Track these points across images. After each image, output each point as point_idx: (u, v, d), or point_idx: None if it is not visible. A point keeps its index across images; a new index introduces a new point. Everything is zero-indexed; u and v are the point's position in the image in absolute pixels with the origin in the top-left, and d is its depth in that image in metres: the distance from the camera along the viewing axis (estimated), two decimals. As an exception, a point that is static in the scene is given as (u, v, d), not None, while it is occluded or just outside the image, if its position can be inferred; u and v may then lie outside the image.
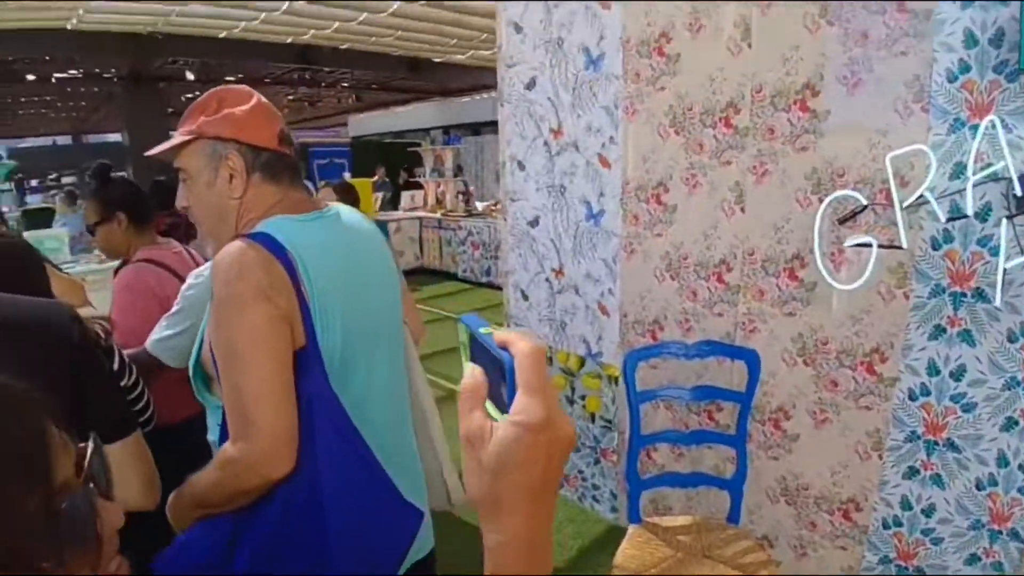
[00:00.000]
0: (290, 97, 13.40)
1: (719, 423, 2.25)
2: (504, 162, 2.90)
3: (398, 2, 6.24)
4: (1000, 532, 1.77)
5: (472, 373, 0.46)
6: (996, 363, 1.71)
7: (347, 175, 10.08)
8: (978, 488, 1.79)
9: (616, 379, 2.58)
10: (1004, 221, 1.64)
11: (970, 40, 1.65)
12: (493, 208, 8.77)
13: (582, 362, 2.73)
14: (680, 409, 2.36)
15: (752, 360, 1.94)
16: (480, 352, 0.47)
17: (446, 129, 12.01)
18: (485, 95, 11.97)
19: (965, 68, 1.67)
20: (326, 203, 1.22)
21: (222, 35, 8.25)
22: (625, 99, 2.38)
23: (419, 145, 10.90)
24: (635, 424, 1.98)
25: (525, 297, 2.92)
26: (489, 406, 0.45)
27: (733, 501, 1.99)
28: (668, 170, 2.29)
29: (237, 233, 1.11)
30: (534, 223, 2.82)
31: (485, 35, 7.86)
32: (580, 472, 2.86)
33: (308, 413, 1.03)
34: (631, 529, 1.97)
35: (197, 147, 1.13)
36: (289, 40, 8.77)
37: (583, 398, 2.76)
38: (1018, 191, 1.60)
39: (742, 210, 2.11)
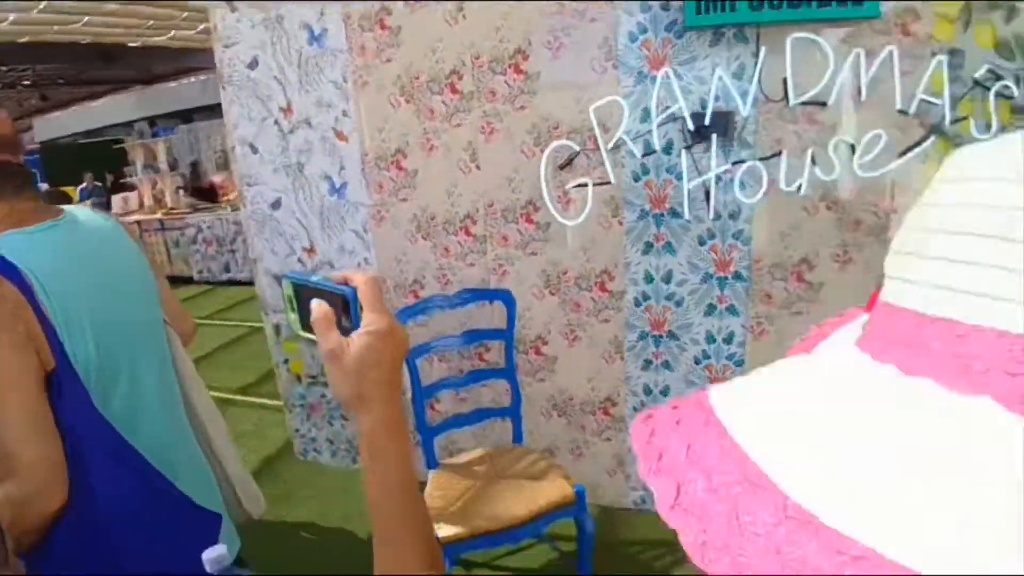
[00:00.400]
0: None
1: (489, 361, 2.48)
2: (234, 146, 2.73)
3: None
4: None
5: (320, 305, 0.56)
6: (693, 264, 2.20)
7: (43, 186, 8.37)
8: (696, 363, 2.29)
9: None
10: (683, 152, 2.08)
11: (644, 5, 2.03)
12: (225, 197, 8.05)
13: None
14: (453, 357, 2.53)
15: (508, 299, 2.16)
16: (311, 296, 0.57)
17: (151, 120, 10.61)
18: (193, 78, 10.80)
19: (643, 29, 2.06)
20: (60, 209, 1.09)
21: None
22: (353, 72, 2.42)
23: (123, 141, 9.52)
24: (415, 379, 2.08)
25: (279, 282, 2.82)
26: None
27: (514, 426, 2.23)
28: (404, 137, 2.40)
29: None
30: (276, 205, 2.73)
31: (187, 13, 7.05)
32: (368, 443, 2.90)
33: (73, 437, 0.95)
34: (431, 474, 2.09)
35: None
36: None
37: (358, 370, 2.78)
38: (691, 126, 2.04)
39: (477, 167, 2.32)
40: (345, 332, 0.56)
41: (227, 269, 7.40)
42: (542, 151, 2.17)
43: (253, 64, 2.58)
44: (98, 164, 9.60)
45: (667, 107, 2.03)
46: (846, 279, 2.09)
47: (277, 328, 2.91)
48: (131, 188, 8.93)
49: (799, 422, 0.29)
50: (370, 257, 2.59)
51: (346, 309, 0.55)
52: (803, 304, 2.17)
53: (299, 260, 2.74)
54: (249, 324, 5.23)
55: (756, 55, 1.98)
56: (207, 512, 1.18)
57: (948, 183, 0.30)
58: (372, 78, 2.39)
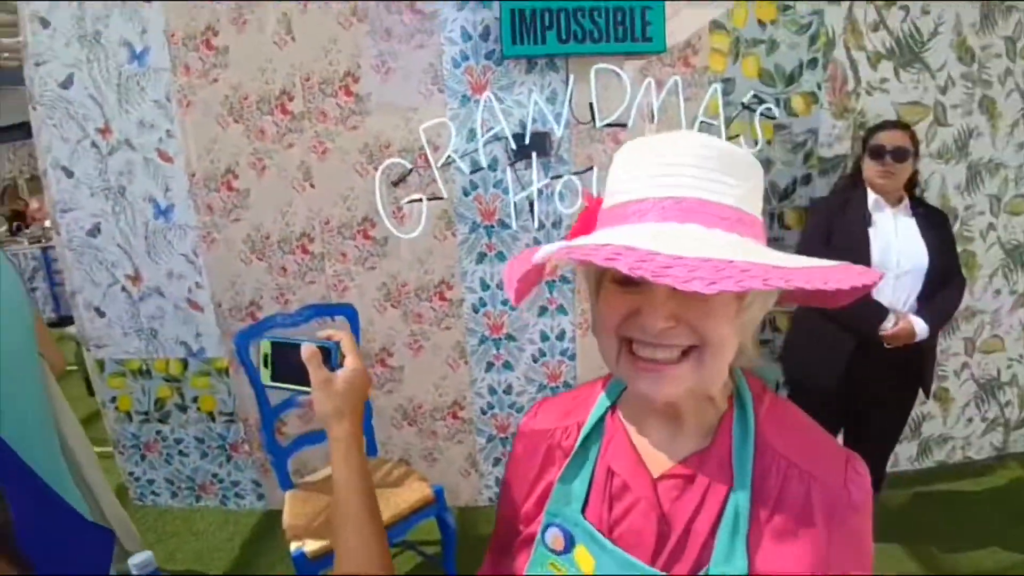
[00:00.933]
0: None
1: (334, 378, 2.48)
2: (46, 170, 2.52)
3: None
4: (557, 387, 2.50)
5: (311, 348, 0.75)
6: (523, 273, 2.36)
7: None
8: (534, 361, 2.48)
9: (226, 370, 2.57)
10: (508, 168, 2.26)
11: (465, 35, 2.21)
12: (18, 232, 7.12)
13: (184, 365, 2.62)
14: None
15: (351, 314, 2.20)
16: (291, 351, 0.77)
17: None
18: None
19: (465, 56, 2.23)
20: None
21: None
22: (178, 92, 2.35)
23: None
24: (262, 400, 2.05)
25: (101, 314, 2.63)
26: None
27: (367, 439, 2.25)
28: (234, 157, 2.37)
29: None
30: (95, 232, 2.55)
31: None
32: (214, 476, 2.76)
33: None
34: (288, 495, 2.05)
35: None
36: None
37: (195, 400, 2.66)
38: (513, 145, 2.22)
39: (312, 185, 2.35)
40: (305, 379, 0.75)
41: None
42: (375, 169, 2.24)
43: (67, 83, 2.41)
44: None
45: (491, 128, 2.21)
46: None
47: (101, 364, 2.70)
48: None
49: None
50: (201, 281, 2.50)
51: (327, 358, 0.75)
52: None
53: (123, 289, 2.57)
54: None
55: (566, 82, 2.22)
56: (101, 528, 1.15)
57: None
58: (198, 98, 2.34)
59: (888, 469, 2.49)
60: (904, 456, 2.82)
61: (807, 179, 2.44)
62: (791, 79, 2.36)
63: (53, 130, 2.48)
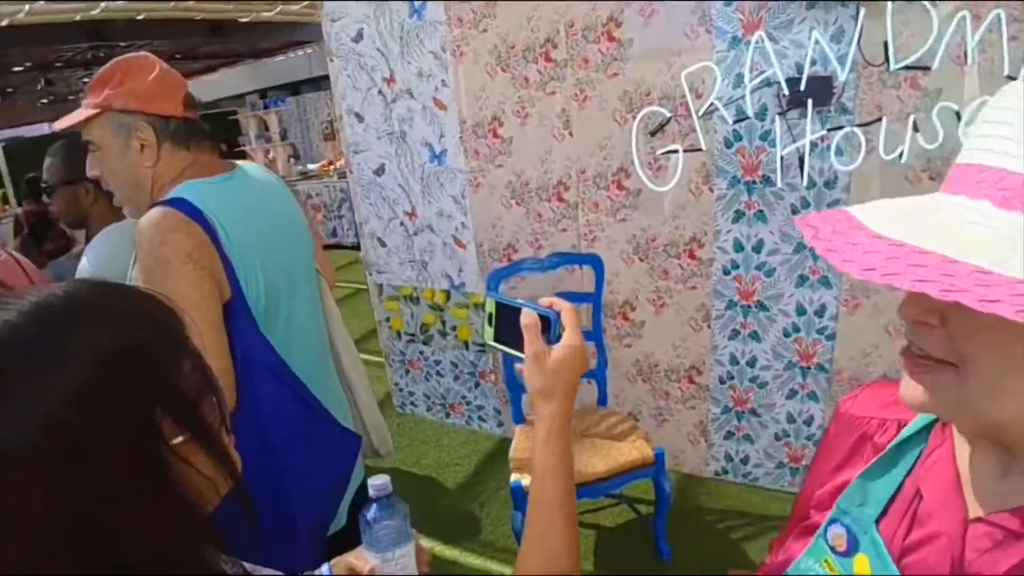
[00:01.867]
0: (85, 80, 11.76)
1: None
2: (341, 115, 2.93)
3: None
4: (809, 368, 2.27)
5: (531, 316, 0.71)
6: (786, 233, 2.16)
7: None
8: (785, 336, 2.27)
9: (482, 304, 2.79)
10: (777, 118, 2.04)
11: (742, -29, 1.99)
12: (326, 167, 8.46)
13: (448, 295, 2.91)
14: (542, 320, 2.64)
15: (597, 264, 2.23)
16: (513, 315, 0.72)
17: (262, 92, 11.26)
18: (300, 52, 11.31)
19: (738, -9, 2.01)
20: (234, 163, 1.27)
21: (3, 23, 7.03)
22: (452, 43, 2.52)
23: (236, 113, 10.16)
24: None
25: (383, 244, 3.02)
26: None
27: (599, 388, 2.31)
28: (500, 106, 2.48)
29: (153, 199, 1.14)
30: (380, 171, 2.90)
31: (292, -12, 7.37)
32: (463, 398, 3.08)
33: (244, 359, 1.11)
34: (518, 429, 2.22)
35: (104, 119, 1.14)
36: (78, 17, 7.65)
37: (454, 329, 2.95)
38: (786, 91, 2.00)
39: (570, 134, 2.38)
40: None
41: (334, 234, 7.84)
42: (634, 118, 2.18)
43: (358, 37, 2.74)
44: (214, 134, 10.23)
45: (761, 72, 1.99)
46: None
47: (380, 288, 3.12)
48: (243, 156, 9.54)
49: None
50: (467, 221, 2.72)
51: (546, 328, 0.71)
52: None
53: (401, 224, 2.92)
54: (354, 285, 5.57)
55: (855, 18, 1.89)
56: (351, 434, 1.35)
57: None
58: (469, 48, 2.49)
59: None
60: None
61: None
62: None
63: (347, 80, 2.84)
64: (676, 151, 2.13)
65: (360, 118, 2.88)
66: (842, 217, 0.50)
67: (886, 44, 1.88)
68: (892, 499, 0.59)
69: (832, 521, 0.62)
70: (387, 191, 2.91)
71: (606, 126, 2.29)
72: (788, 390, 2.32)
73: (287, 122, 9.99)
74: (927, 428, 0.61)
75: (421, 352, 3.13)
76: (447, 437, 3.11)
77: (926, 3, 1.81)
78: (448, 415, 3.18)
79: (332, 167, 8.37)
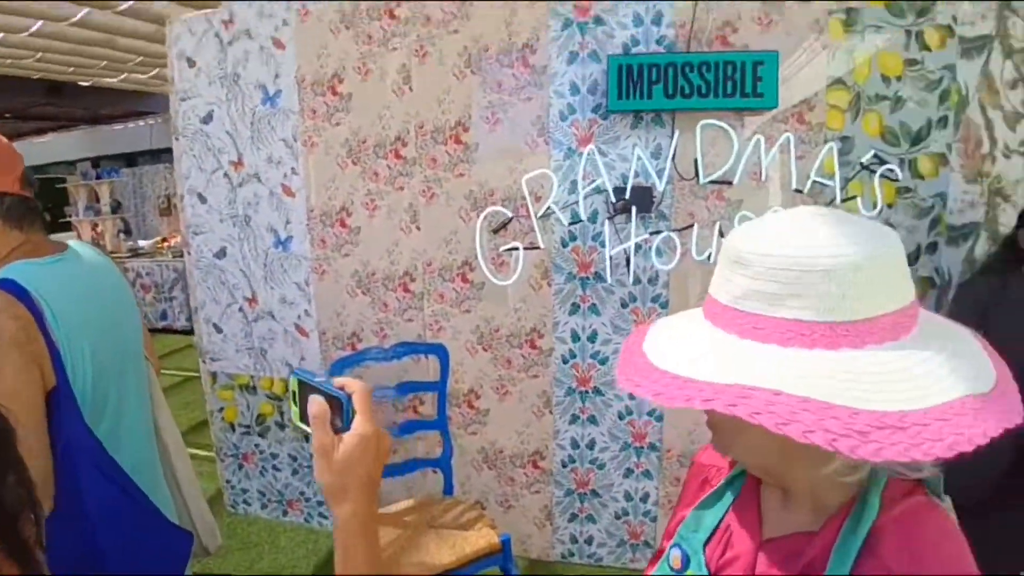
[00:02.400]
0: None
1: (423, 414, 2.55)
2: (183, 195, 2.80)
3: (40, 21, 5.31)
4: (642, 447, 2.42)
5: (317, 402, 0.64)
6: (617, 325, 2.36)
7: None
8: (620, 419, 2.42)
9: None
10: (607, 222, 2.26)
11: (574, 89, 2.25)
12: (160, 245, 7.87)
13: (287, 385, 2.78)
14: (388, 408, 2.60)
15: (442, 353, 2.27)
16: (312, 393, 0.65)
17: (95, 161, 10.44)
18: (141, 122, 10.71)
19: (572, 110, 2.27)
20: (65, 243, 1.20)
21: None
22: (304, 133, 2.54)
23: (65, 180, 9.30)
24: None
25: (219, 330, 2.85)
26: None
27: (445, 477, 2.30)
28: (349, 196, 2.52)
29: None
30: (221, 254, 2.79)
31: (141, 57, 7.04)
32: (302, 493, 2.90)
33: (67, 452, 1.03)
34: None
35: None
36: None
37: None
38: (614, 199, 2.23)
39: (417, 228, 2.46)
40: (336, 431, 0.64)
41: (164, 317, 7.20)
42: (478, 215, 2.32)
43: (208, 118, 2.68)
44: (39, 201, 9.26)
45: (592, 180, 2.23)
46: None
47: (214, 376, 2.92)
48: (68, 228, 8.67)
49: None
50: (310, 309, 2.66)
51: (340, 411, 0.64)
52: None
53: (240, 309, 2.79)
54: (184, 373, 5.15)
55: (671, 137, 2.20)
56: (182, 531, 1.25)
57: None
58: (321, 139, 2.52)
59: None
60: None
61: (933, 247, 2.27)
62: (917, 139, 2.21)
63: (192, 160, 2.75)
64: (517, 248, 2.28)
65: (203, 199, 2.77)
66: (640, 356, 0.67)
67: (696, 161, 2.18)
68: (717, 526, 0.74)
69: (673, 545, 0.76)
70: (227, 275, 2.79)
71: (452, 222, 2.40)
72: (625, 469, 2.45)
73: (120, 194, 9.27)
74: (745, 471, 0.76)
75: (256, 445, 2.93)
76: (284, 537, 2.89)
77: (728, 127, 2.14)
78: (285, 512, 2.96)
79: (167, 245, 7.80)
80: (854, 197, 2.21)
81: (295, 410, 0.69)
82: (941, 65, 2.16)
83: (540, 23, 2.26)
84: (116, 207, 8.67)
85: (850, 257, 0.56)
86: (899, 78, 2.18)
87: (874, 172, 2.18)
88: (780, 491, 0.68)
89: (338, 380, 0.66)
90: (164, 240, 8.07)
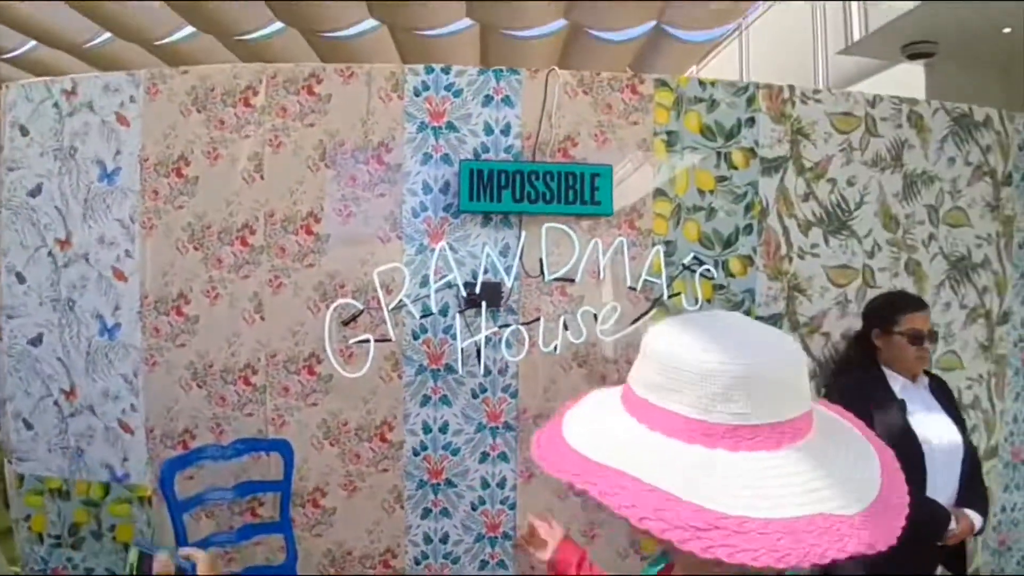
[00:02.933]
0: None
1: (263, 516, 2.40)
2: (1, 272, 2.52)
3: None
4: (496, 537, 2.43)
5: (162, 561, 0.66)
6: (468, 415, 2.40)
7: None
8: (473, 509, 2.43)
9: (148, 499, 2.46)
10: (457, 315, 2.33)
11: (427, 188, 2.35)
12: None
13: (107, 489, 2.50)
14: (222, 512, 2.41)
15: (285, 449, 2.18)
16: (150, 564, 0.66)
17: None
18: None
19: (424, 208, 2.37)
20: None
21: None
22: (143, 214, 2.41)
23: None
24: (181, 536, 1.97)
25: (29, 426, 2.53)
26: None
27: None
28: (188, 283, 2.39)
29: None
30: (36, 341, 2.51)
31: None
32: (119, 614, 2.57)
33: None
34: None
35: None
36: None
37: (112, 528, 2.51)
38: (464, 293, 2.31)
39: (262, 318, 2.38)
40: None
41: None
42: (327, 307, 2.30)
43: (36, 191, 2.46)
44: None
45: (444, 275, 2.31)
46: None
47: (21, 479, 2.57)
48: None
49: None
50: (137, 403, 2.44)
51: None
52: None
53: (55, 403, 2.50)
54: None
55: (518, 238, 2.35)
56: None
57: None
58: (161, 222, 2.40)
59: None
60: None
61: (744, 338, 2.56)
62: (728, 243, 2.52)
63: (14, 235, 2.50)
64: (368, 340, 2.27)
65: (21, 278, 2.50)
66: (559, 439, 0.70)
67: (541, 260, 2.33)
68: None
69: None
70: (42, 365, 2.50)
71: (299, 313, 2.36)
72: (480, 562, 2.44)
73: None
74: None
75: (69, 559, 2.57)
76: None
77: (570, 231, 2.32)
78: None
79: None
80: (679, 293, 2.46)
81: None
82: (746, 181, 2.51)
83: (396, 123, 2.36)
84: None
85: (740, 365, 0.60)
86: (712, 191, 2.50)
87: (694, 272, 2.45)
88: None
89: (183, 550, 0.70)
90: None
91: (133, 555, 0.70)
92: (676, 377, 0.62)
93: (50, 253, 2.48)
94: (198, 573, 0.67)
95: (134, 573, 0.70)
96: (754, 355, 0.62)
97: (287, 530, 2.17)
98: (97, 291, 2.45)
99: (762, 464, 0.60)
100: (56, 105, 2.46)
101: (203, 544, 2.11)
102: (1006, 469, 2.88)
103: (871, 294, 2.62)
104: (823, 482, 0.60)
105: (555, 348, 2.36)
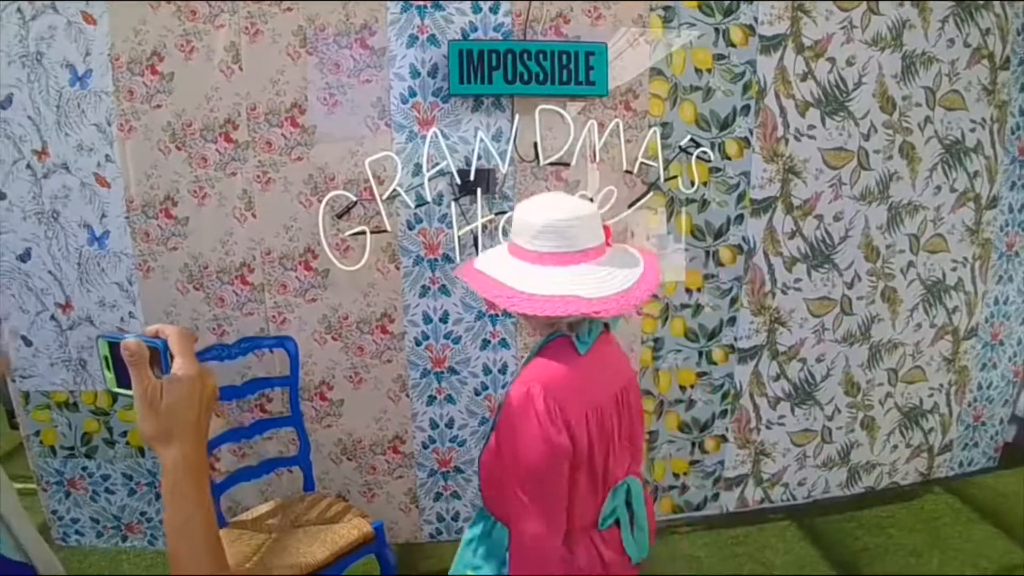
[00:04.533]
0: None
1: (272, 411, 2.43)
2: (-24, 190, 2.44)
3: None
4: None
5: (134, 344, 0.60)
6: (467, 304, 2.42)
7: None
8: (476, 395, 2.49)
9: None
10: (452, 203, 2.29)
11: (414, 72, 2.26)
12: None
13: (114, 397, 2.53)
14: (231, 410, 2.45)
15: (291, 345, 2.18)
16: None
17: None
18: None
19: (413, 93, 2.27)
20: None
21: None
22: (119, 117, 2.31)
23: None
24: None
25: (28, 343, 2.52)
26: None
27: (305, 474, 2.22)
28: (174, 184, 2.33)
29: None
30: (25, 256, 2.46)
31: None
32: (143, 514, 2.65)
33: None
34: (220, 534, 1.98)
35: None
36: None
37: (124, 434, 2.56)
38: (458, 180, 2.26)
39: (253, 215, 2.33)
40: (157, 379, 0.62)
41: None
42: (319, 200, 2.25)
43: (6, 102, 2.34)
44: None
45: (436, 163, 2.25)
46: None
47: (26, 396, 2.58)
48: None
49: None
50: (135, 311, 2.43)
51: (157, 360, 0.61)
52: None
53: (52, 317, 2.48)
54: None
55: (511, 121, 2.28)
56: (20, 564, 1.10)
57: None
58: (139, 123, 2.30)
59: (820, 495, 2.82)
60: (834, 483, 2.92)
61: (740, 219, 2.55)
62: (725, 124, 2.47)
63: (-13, 150, 2.40)
64: (363, 232, 2.24)
65: (1, 195, 2.43)
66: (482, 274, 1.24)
67: (536, 144, 2.27)
68: None
69: None
70: (34, 280, 2.46)
71: (291, 207, 2.31)
72: (483, 444, 2.50)
73: None
74: None
75: (84, 467, 2.63)
76: (127, 564, 2.62)
77: (564, 113, 2.25)
78: (125, 538, 2.69)
79: None
80: (675, 176, 2.43)
81: (110, 376, 0.65)
82: (744, 60, 2.43)
83: (378, 4, 2.24)
84: None
85: (547, 220, 1.17)
86: (709, 71, 2.43)
87: (690, 154, 2.40)
88: None
89: (149, 328, 0.63)
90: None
91: (103, 347, 0.64)
92: (520, 228, 1.22)
93: (28, 165, 2.39)
94: (172, 348, 0.62)
95: (109, 368, 0.65)
96: (556, 215, 1.17)
97: (298, 423, 2.20)
98: (81, 200, 2.38)
99: (554, 271, 1.15)
100: (19, 10, 2.30)
101: (220, 440, 2.15)
102: (984, 349, 2.97)
103: (865, 177, 2.62)
104: (582, 279, 1.14)
105: (552, 235, 2.34)
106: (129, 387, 0.63)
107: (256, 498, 2.47)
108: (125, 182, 2.34)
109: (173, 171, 2.31)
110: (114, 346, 0.63)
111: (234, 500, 2.48)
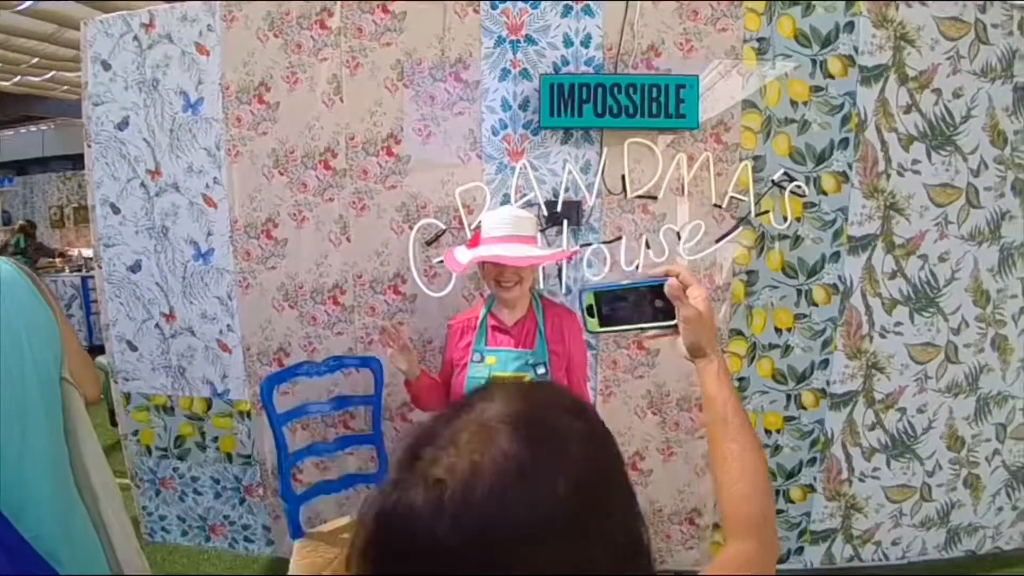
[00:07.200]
0: None
1: (355, 428, 2.50)
2: (95, 205, 2.64)
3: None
4: None
5: (672, 285, 0.78)
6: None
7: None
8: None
9: (247, 413, 2.60)
10: (539, 233, 2.28)
11: (506, 105, 2.30)
12: (55, 260, 7.24)
13: (208, 404, 2.66)
14: (316, 426, 2.53)
15: (376, 366, 2.24)
16: (616, 299, 0.80)
17: (-21, 170, 9.59)
18: (32, 128, 9.96)
19: (504, 125, 2.31)
20: None
21: None
22: (228, 142, 2.46)
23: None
24: (281, 445, 2.07)
25: (133, 347, 2.70)
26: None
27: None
28: (275, 207, 2.45)
29: None
30: (135, 268, 2.64)
31: (36, 59, 6.58)
32: (226, 517, 2.77)
33: None
34: (296, 544, 2.05)
35: None
36: None
37: (215, 440, 2.69)
38: (545, 212, 2.27)
39: (348, 240, 2.42)
40: (660, 313, 0.79)
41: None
42: (411, 227, 2.32)
43: (123, 124, 2.55)
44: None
45: (524, 194, 2.28)
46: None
47: (127, 396, 2.75)
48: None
49: None
50: (233, 324, 2.56)
51: (661, 295, 0.78)
52: (643, 368, 2.43)
53: (156, 325, 2.65)
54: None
55: (600, 154, 2.28)
56: None
57: None
58: (246, 149, 2.45)
59: (916, 557, 2.64)
60: (932, 544, 2.73)
61: (836, 256, 2.45)
62: (821, 158, 2.39)
63: (105, 168, 2.60)
64: (451, 259, 2.29)
65: (116, 209, 2.62)
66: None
67: (623, 177, 2.26)
68: (485, 336, 1.88)
69: (474, 353, 1.83)
70: (142, 290, 2.64)
71: (383, 234, 2.39)
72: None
73: (10, 204, 8.55)
74: (487, 313, 1.89)
75: (175, 468, 2.78)
76: (207, 564, 2.75)
77: (653, 146, 2.24)
78: (208, 538, 2.82)
79: (63, 259, 7.15)
80: (767, 212, 2.36)
81: (593, 321, 0.81)
82: (843, 92, 2.35)
83: (473, 39, 2.30)
84: (7, 219, 8.02)
85: (493, 219, 1.75)
86: (805, 103, 2.36)
87: (784, 188, 2.33)
88: (509, 308, 1.80)
89: (658, 270, 0.79)
90: (61, 254, 7.46)
91: (589, 298, 0.80)
92: (484, 224, 1.75)
93: (142, 184, 2.58)
94: (681, 279, 0.79)
95: (593, 315, 0.80)
96: (500, 216, 1.74)
97: (379, 441, 2.25)
98: (189, 218, 2.54)
99: (491, 247, 1.69)
100: (136, 38, 2.50)
101: (305, 453, 2.22)
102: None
103: (975, 215, 2.46)
104: (506, 249, 1.66)
105: (637, 267, 2.31)
106: (614, 325, 0.81)
107: (334, 511, 2.54)
108: (230, 203, 2.48)
109: (275, 195, 2.44)
110: (600, 295, 0.80)
111: (314, 512, 2.56)
